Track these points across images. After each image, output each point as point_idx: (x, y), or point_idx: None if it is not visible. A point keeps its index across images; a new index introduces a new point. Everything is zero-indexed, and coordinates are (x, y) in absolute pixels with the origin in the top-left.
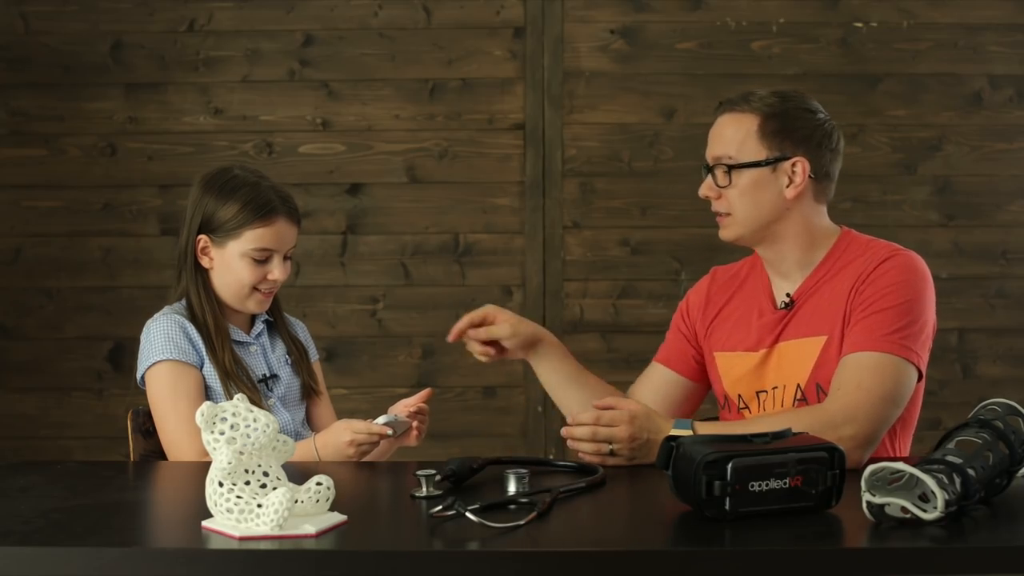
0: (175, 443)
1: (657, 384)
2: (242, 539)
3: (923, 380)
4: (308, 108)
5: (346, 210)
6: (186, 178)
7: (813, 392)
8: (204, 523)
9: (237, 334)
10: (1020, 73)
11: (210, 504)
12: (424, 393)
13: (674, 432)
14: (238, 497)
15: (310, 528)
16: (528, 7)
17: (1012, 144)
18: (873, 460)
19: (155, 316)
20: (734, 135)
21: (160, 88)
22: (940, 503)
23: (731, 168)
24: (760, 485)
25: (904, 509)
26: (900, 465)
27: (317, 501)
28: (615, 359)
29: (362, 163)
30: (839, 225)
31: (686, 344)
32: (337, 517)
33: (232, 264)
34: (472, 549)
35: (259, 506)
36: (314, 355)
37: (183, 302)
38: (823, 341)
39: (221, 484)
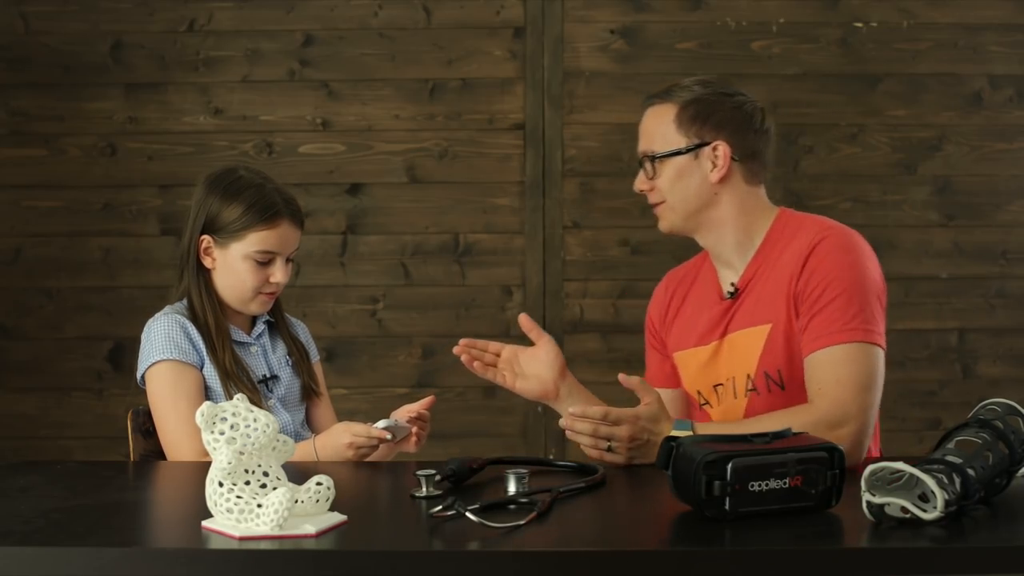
0: (175, 443)
1: None
2: (242, 539)
3: (884, 352)
4: (308, 108)
5: (346, 210)
6: (186, 178)
7: (763, 381)
8: (204, 523)
9: (238, 334)
10: (1020, 73)
11: (210, 504)
12: (426, 400)
13: (674, 433)
14: (238, 497)
15: (310, 528)
16: (528, 7)
17: (1012, 144)
18: (870, 459)
19: (156, 316)
20: (655, 127)
21: (160, 88)
22: (940, 503)
23: (655, 159)
24: (760, 485)
25: (904, 509)
26: (900, 465)
27: (317, 501)
28: (615, 359)
29: (362, 163)
30: (777, 206)
31: (663, 358)
32: (337, 517)
33: (235, 265)
34: (472, 549)
35: (259, 506)
36: (315, 356)
37: (184, 302)
38: (768, 329)
39: (221, 484)
